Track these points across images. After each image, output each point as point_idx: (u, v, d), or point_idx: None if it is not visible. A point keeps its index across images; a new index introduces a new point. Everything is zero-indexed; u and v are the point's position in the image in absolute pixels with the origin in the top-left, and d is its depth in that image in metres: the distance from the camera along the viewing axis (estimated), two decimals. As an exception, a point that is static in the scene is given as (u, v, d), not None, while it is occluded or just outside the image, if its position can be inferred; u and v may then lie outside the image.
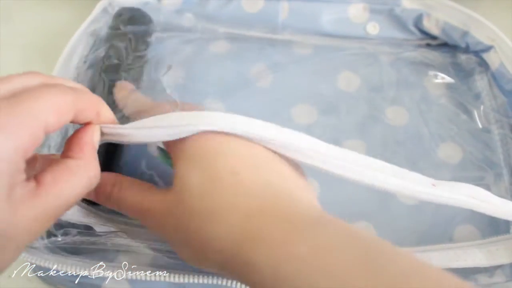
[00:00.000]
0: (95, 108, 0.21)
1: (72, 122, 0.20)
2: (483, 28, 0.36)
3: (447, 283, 0.16)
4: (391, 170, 0.23)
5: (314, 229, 0.18)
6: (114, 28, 0.36)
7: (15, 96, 0.18)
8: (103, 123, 0.22)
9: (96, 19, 0.37)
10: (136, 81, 0.34)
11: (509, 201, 0.24)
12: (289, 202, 0.20)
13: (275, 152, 0.22)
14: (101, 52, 0.35)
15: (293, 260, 0.17)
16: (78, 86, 0.22)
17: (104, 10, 0.38)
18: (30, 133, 0.17)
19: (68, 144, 0.21)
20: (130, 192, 0.22)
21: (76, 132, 0.21)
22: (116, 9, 0.38)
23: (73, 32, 0.35)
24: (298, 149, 0.22)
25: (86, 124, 0.21)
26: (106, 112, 0.22)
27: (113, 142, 0.22)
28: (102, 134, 0.22)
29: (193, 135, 0.21)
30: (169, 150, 0.23)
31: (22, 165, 0.17)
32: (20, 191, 0.17)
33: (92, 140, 0.21)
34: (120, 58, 0.34)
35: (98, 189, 0.22)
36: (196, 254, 0.20)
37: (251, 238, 0.18)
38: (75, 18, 0.37)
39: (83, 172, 0.20)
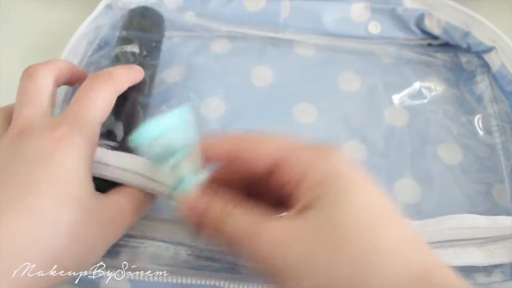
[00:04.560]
0: (127, 85, 0.27)
1: None
2: (484, 28, 0.36)
3: None
4: None
5: None
6: (126, 29, 0.35)
7: (72, 108, 0.23)
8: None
9: (99, 15, 0.37)
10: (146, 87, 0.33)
11: (496, 218, 0.25)
12: None
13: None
14: (106, 56, 0.35)
15: None
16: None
17: (108, 7, 0.38)
18: (95, 135, 0.23)
19: None
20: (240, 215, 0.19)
21: None
22: (120, 5, 0.38)
23: (73, 32, 0.35)
24: None
25: None
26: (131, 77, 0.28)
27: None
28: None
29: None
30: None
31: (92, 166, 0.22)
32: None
33: None
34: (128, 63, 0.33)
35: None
36: None
37: None
38: (75, 18, 0.36)
39: None
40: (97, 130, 0.23)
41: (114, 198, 0.23)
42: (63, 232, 0.20)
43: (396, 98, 0.36)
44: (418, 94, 0.36)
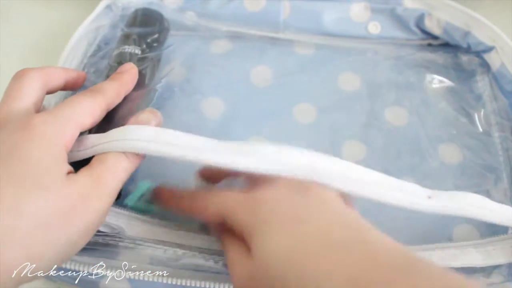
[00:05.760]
0: (119, 99, 0.27)
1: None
2: (484, 28, 0.36)
3: None
4: (388, 183, 0.23)
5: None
6: (127, 28, 0.35)
7: (52, 108, 0.23)
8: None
9: (99, 16, 0.37)
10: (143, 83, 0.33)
11: (508, 207, 0.25)
12: (391, 258, 0.18)
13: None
14: (106, 56, 0.35)
15: None
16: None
17: (108, 7, 0.38)
18: (69, 131, 0.22)
19: None
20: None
21: None
22: (120, 5, 0.38)
23: (73, 32, 0.35)
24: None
25: None
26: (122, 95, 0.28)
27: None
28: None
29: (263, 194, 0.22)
30: (239, 217, 0.22)
31: (65, 156, 0.22)
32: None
33: None
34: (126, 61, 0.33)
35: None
36: None
37: None
38: (75, 18, 0.36)
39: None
40: (73, 128, 0.23)
41: (83, 180, 0.22)
42: (29, 222, 0.19)
43: (395, 97, 0.36)
44: (418, 94, 0.36)
